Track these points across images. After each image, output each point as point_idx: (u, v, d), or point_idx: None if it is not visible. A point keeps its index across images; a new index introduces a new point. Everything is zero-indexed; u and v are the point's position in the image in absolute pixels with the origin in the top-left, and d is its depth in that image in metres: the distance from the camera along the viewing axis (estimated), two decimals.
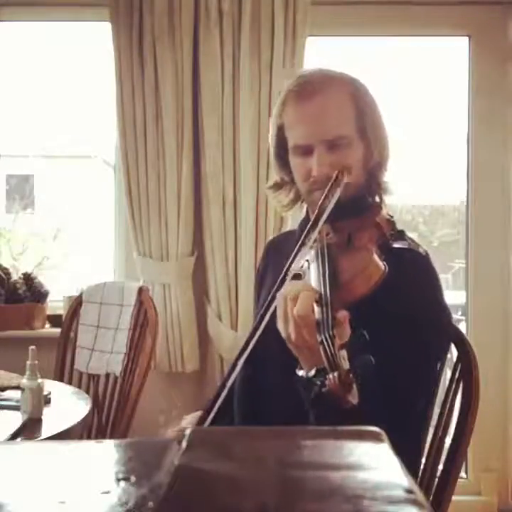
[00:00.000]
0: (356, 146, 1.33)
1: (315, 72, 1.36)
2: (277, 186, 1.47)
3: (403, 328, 1.19)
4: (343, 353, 0.94)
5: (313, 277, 1.14)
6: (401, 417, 1.14)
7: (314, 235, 1.22)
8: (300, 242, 1.21)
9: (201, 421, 1.25)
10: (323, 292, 1.08)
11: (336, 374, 0.91)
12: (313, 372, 0.96)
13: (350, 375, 0.91)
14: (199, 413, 1.35)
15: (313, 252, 1.21)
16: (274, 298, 1.17)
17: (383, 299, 1.14)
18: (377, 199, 1.39)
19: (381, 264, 1.16)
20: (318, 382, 0.95)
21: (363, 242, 1.21)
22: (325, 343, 0.96)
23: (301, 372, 1.00)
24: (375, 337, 0.98)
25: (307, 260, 1.20)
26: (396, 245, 1.32)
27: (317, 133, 1.31)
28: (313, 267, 1.17)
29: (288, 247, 1.27)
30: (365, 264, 1.14)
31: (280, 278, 1.19)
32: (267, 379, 1.34)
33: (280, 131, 1.38)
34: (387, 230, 1.36)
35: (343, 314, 1.01)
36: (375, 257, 1.16)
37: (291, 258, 1.20)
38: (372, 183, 1.37)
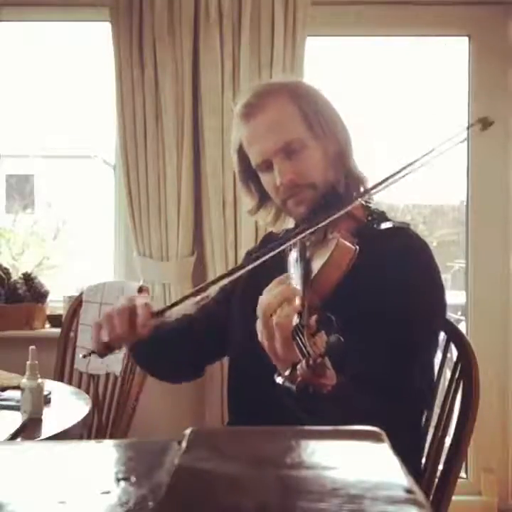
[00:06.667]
0: (312, 145, 1.35)
1: (254, 91, 1.40)
2: (256, 208, 1.50)
3: (393, 304, 1.19)
4: (315, 340, 0.93)
5: (294, 281, 1.14)
6: (390, 394, 1.15)
7: (291, 244, 1.25)
8: (274, 250, 1.25)
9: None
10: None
11: (304, 361, 0.91)
12: (288, 371, 0.95)
13: (319, 359, 0.89)
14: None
15: (294, 258, 1.23)
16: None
17: (371, 277, 1.14)
18: (354, 189, 1.40)
19: (350, 246, 1.15)
20: (293, 387, 0.94)
21: (335, 233, 1.22)
22: (297, 336, 0.95)
23: (278, 379, 0.98)
24: (357, 319, 0.98)
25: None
26: (381, 227, 1.33)
27: (269, 146, 1.34)
28: (293, 272, 1.18)
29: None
30: (330, 252, 1.14)
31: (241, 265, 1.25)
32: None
33: (241, 151, 1.42)
34: (362, 216, 1.38)
35: (313, 318, 1.00)
36: (341, 240, 1.16)
37: (262, 255, 1.24)
38: (340, 176, 1.38)
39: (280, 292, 1.06)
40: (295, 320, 0.98)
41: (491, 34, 2.84)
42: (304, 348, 0.92)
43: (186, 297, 1.29)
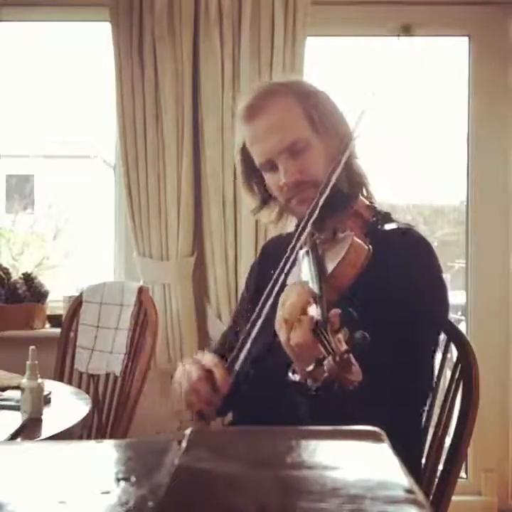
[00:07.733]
0: (316, 145, 1.35)
1: (255, 92, 1.40)
2: (259, 208, 1.51)
3: (397, 304, 1.20)
4: (340, 336, 0.95)
5: (306, 278, 1.16)
6: (399, 392, 1.15)
7: (300, 242, 1.26)
8: (287, 255, 1.25)
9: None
10: (315, 289, 1.09)
11: (330, 357, 0.92)
12: (312, 366, 0.96)
13: (346, 355, 0.92)
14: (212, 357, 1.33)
15: (302, 255, 1.23)
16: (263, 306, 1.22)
17: (375, 278, 1.14)
18: (358, 189, 1.41)
19: (364, 245, 1.16)
20: (314, 388, 0.95)
21: (345, 232, 1.23)
22: (319, 333, 0.96)
23: (294, 377, 0.99)
24: (369, 319, 0.99)
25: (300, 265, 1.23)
26: (385, 227, 1.34)
27: (273, 146, 1.35)
28: (304, 270, 1.19)
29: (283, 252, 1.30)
30: (346, 250, 1.15)
31: (269, 288, 1.23)
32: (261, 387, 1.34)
33: (244, 151, 1.42)
34: (369, 216, 1.38)
35: (335, 312, 1.01)
36: (356, 239, 1.17)
37: (280, 267, 1.24)
38: (344, 175, 1.38)
39: (296, 299, 1.08)
40: (317, 315, 1.00)
41: (491, 34, 2.84)
42: (328, 345, 0.94)
43: (246, 338, 1.27)
